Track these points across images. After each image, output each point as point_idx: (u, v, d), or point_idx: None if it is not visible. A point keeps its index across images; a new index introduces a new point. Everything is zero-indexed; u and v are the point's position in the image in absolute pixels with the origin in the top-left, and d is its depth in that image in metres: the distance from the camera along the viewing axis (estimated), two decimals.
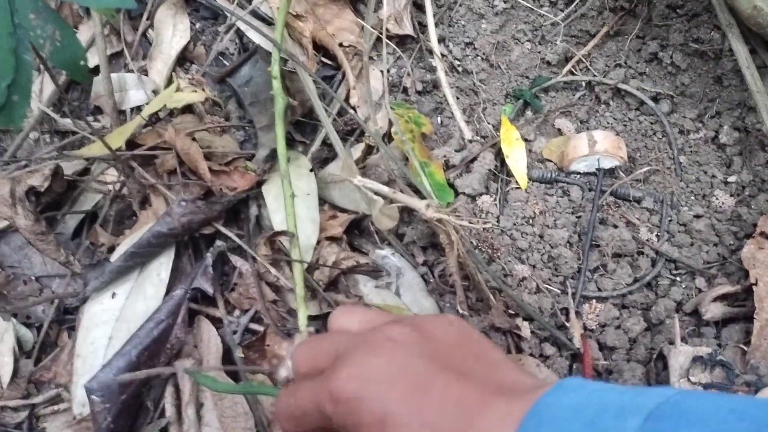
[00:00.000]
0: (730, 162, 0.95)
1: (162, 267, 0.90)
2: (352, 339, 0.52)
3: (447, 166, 0.95)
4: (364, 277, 0.88)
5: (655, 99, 1.01)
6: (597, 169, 0.93)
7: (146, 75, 1.05)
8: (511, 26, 1.05)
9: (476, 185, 0.92)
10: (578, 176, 0.96)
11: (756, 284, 0.83)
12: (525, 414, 0.40)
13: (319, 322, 0.86)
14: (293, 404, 0.54)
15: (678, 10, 1.00)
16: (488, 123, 1.00)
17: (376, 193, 0.81)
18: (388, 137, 0.95)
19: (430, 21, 0.99)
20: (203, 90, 0.97)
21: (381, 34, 0.96)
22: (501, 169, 0.97)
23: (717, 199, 0.92)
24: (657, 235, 0.91)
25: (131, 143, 0.96)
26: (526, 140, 0.99)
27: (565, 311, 0.86)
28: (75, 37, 0.71)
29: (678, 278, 0.89)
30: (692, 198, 0.94)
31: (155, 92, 1.03)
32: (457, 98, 1.01)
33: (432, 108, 1.01)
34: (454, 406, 0.44)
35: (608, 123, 1.00)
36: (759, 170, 0.92)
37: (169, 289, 0.90)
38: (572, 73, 1.04)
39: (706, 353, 0.80)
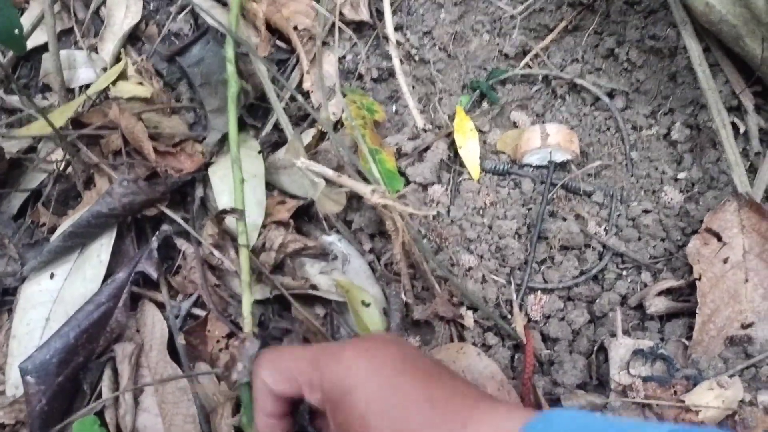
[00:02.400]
0: (680, 159, 0.95)
1: (102, 248, 0.88)
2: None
3: (399, 155, 0.94)
4: (311, 260, 0.86)
5: (610, 94, 1.01)
6: (548, 162, 0.93)
7: (96, 53, 1.02)
8: (470, 17, 1.05)
9: (427, 174, 0.91)
10: (531, 169, 0.96)
11: (699, 279, 0.83)
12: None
13: (264, 306, 0.85)
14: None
15: (635, 6, 1.01)
16: (443, 113, 0.99)
17: (322, 177, 0.79)
18: (341, 123, 0.94)
19: (387, 8, 0.98)
20: (150, 79, 0.95)
21: (337, 19, 0.95)
22: (454, 160, 0.96)
23: (666, 194, 0.92)
24: (605, 229, 0.91)
25: (77, 122, 0.94)
26: (480, 132, 0.99)
27: (510, 302, 0.85)
28: (10, 6, 0.69)
29: (624, 272, 0.89)
30: (642, 193, 0.94)
31: (105, 70, 1.01)
32: (413, 87, 1.00)
33: (387, 96, 1.00)
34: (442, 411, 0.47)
35: (563, 117, 1.00)
36: (709, 167, 0.93)
37: (111, 272, 0.88)
38: (529, 67, 1.04)
39: (647, 346, 0.80)
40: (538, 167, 0.96)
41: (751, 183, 0.89)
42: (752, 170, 0.91)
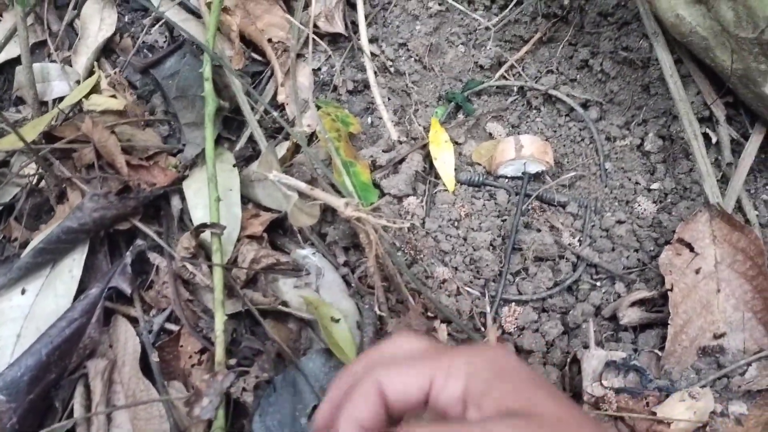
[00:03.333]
0: (654, 169, 0.96)
1: (74, 263, 0.87)
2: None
3: (374, 167, 0.94)
4: (284, 275, 0.86)
5: (585, 105, 1.01)
6: (523, 173, 0.93)
7: (70, 66, 1.01)
8: (446, 29, 1.05)
9: (402, 186, 0.92)
10: (506, 180, 0.96)
11: (671, 290, 0.83)
12: None
13: (237, 321, 0.84)
14: None
15: (609, 18, 1.01)
16: (419, 124, 0.99)
17: (294, 189, 0.79)
18: (316, 136, 0.94)
19: (362, 20, 0.98)
20: (124, 91, 0.94)
21: (311, 31, 0.95)
22: (429, 172, 0.96)
23: (639, 205, 0.93)
24: (579, 240, 0.91)
25: (50, 136, 0.93)
26: (456, 143, 0.99)
27: (484, 314, 0.85)
28: None
29: (598, 283, 0.89)
30: (615, 204, 0.94)
31: (79, 83, 1.01)
32: (389, 99, 1.00)
33: (363, 108, 1.00)
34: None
35: (538, 128, 1.01)
36: (681, 178, 0.94)
37: (83, 287, 0.87)
38: (505, 78, 1.04)
39: (620, 358, 0.80)
40: (513, 178, 0.96)
41: (723, 193, 0.90)
42: (725, 180, 0.92)
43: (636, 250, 0.90)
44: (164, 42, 1.03)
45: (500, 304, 0.86)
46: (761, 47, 0.80)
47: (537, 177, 0.96)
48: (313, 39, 0.95)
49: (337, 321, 0.79)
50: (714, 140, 0.93)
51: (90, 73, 1.00)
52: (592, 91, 1.02)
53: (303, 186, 0.77)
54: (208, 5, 0.95)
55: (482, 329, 0.84)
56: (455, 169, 0.95)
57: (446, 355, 0.43)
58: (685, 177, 0.94)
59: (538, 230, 0.91)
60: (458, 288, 0.86)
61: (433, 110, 1.02)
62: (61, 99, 1.00)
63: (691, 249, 0.85)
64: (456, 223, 0.92)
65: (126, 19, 1.05)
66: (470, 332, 0.82)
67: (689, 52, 0.94)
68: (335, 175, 0.87)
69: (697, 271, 0.84)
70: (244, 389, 0.76)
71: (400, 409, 0.43)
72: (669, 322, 0.82)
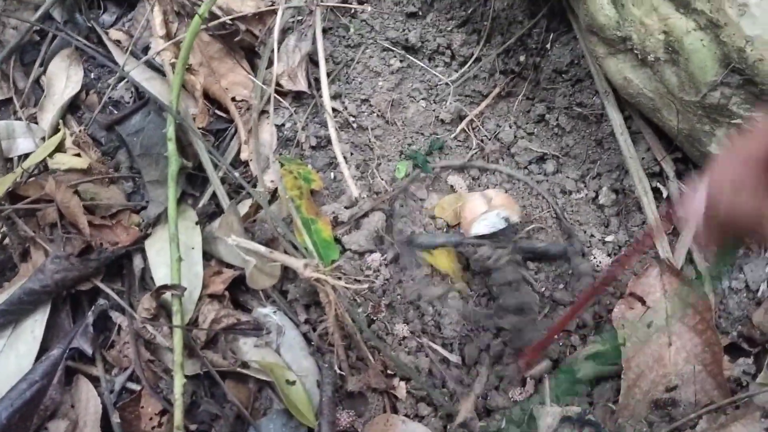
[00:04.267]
0: (608, 222, 0.99)
1: (36, 324, 0.88)
2: None
3: (336, 223, 0.95)
4: (245, 335, 0.87)
5: (542, 159, 1.04)
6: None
7: (36, 123, 1.03)
8: (407, 85, 1.08)
9: (363, 242, 0.93)
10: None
11: (624, 344, 0.86)
12: None
13: (197, 382, 0.85)
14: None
15: (563, 75, 1.05)
16: (381, 179, 1.02)
17: (253, 253, 0.81)
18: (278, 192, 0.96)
19: (324, 78, 1.01)
20: (88, 149, 0.96)
21: (273, 90, 0.97)
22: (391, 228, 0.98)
23: (595, 258, 0.95)
24: (540, 292, 0.93)
25: (14, 195, 0.94)
26: (420, 200, 1.00)
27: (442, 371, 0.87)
28: None
29: (556, 336, 0.91)
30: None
31: (45, 140, 1.02)
32: (351, 154, 1.02)
33: (325, 162, 1.02)
34: None
35: (497, 181, 1.03)
36: (634, 231, 0.97)
37: (45, 347, 0.88)
38: (465, 132, 1.07)
39: (575, 413, 0.82)
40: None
41: (674, 247, 0.93)
42: (676, 233, 0.95)
43: (593, 304, 0.93)
44: (130, 98, 1.05)
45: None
46: (704, 110, 0.83)
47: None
48: (276, 97, 0.97)
49: (293, 383, 0.80)
50: (665, 195, 0.96)
51: (55, 130, 1.01)
52: (548, 144, 1.05)
53: (262, 249, 0.79)
54: (173, 65, 0.97)
55: (443, 385, 0.85)
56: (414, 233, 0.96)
57: None
58: (638, 230, 0.97)
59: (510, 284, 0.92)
60: (417, 345, 0.87)
61: (395, 164, 1.04)
62: (26, 156, 1.01)
63: (643, 303, 0.88)
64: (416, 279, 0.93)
65: (92, 76, 1.07)
66: (429, 389, 0.83)
67: (639, 111, 0.97)
68: (296, 234, 0.89)
69: (649, 325, 0.87)
70: None
71: None
72: (622, 375, 0.84)
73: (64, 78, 1.04)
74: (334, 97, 1.04)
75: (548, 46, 1.05)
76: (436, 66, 1.09)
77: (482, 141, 1.06)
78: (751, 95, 0.79)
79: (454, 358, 0.89)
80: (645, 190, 0.93)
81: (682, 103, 0.85)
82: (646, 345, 0.86)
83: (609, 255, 0.96)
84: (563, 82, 1.05)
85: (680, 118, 0.88)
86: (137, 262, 0.91)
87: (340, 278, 0.81)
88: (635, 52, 0.86)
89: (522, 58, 1.07)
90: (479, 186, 1.03)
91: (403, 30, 1.09)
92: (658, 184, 0.96)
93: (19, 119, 1.03)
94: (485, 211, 0.92)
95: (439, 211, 1.00)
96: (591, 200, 1.01)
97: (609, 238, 0.97)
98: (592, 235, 0.98)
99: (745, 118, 0.81)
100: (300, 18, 1.04)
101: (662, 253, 0.90)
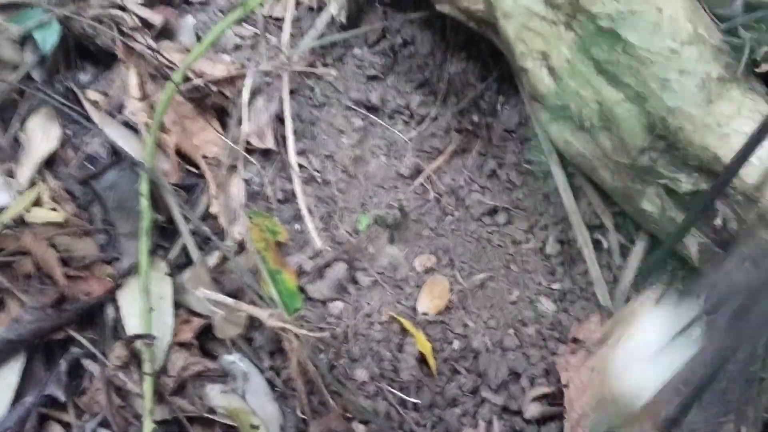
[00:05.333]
0: (554, 270, 1.06)
1: (11, 372, 0.91)
2: None
3: (300, 272, 1.01)
4: (212, 382, 0.92)
5: (494, 211, 1.12)
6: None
7: (13, 177, 1.07)
8: (369, 141, 1.16)
9: (326, 291, 0.99)
10: None
11: (567, 386, 0.92)
12: None
13: (166, 427, 0.89)
14: None
15: (513, 134, 1.14)
16: (344, 230, 1.08)
17: (221, 304, 0.86)
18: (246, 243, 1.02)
19: (290, 136, 1.08)
20: (64, 203, 1.01)
21: (242, 147, 1.04)
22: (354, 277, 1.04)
23: (542, 304, 1.03)
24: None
25: None
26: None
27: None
28: None
29: (506, 377, 0.97)
30: (520, 304, 1.04)
31: (21, 194, 1.06)
32: (316, 206, 1.09)
33: (291, 215, 1.08)
34: None
35: (452, 229, 1.10)
36: (578, 279, 1.04)
37: (20, 393, 0.91)
38: (423, 186, 1.14)
39: None
40: None
41: (614, 294, 1.01)
42: (617, 281, 1.03)
43: (541, 347, 0.99)
44: (105, 153, 1.10)
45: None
46: (635, 171, 0.92)
47: None
48: (245, 155, 1.04)
49: (257, 428, 0.85)
50: (605, 245, 1.04)
51: (32, 184, 1.06)
52: (500, 197, 1.13)
53: (229, 301, 0.85)
54: (147, 124, 1.03)
55: (401, 427, 0.90)
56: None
57: None
58: (581, 278, 1.04)
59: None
60: (376, 389, 0.93)
61: (358, 215, 1.11)
62: (2, 209, 1.05)
63: (586, 348, 0.95)
64: (377, 325, 0.99)
65: (69, 131, 1.12)
66: (387, 431, 0.89)
67: (580, 169, 1.06)
68: (262, 285, 0.94)
69: (592, 369, 0.94)
70: None
71: None
72: (565, 416, 0.90)
73: (41, 134, 1.09)
74: (300, 153, 1.11)
75: (498, 107, 1.14)
76: (396, 124, 1.17)
77: (439, 194, 1.13)
78: (676, 158, 0.87)
79: (411, 400, 0.94)
80: (586, 242, 1.01)
81: (616, 164, 0.94)
82: (588, 387, 0.93)
83: (555, 302, 1.03)
84: (513, 140, 1.13)
85: (615, 177, 0.97)
86: (110, 311, 0.96)
87: (302, 326, 0.87)
88: (573, 119, 0.94)
89: (475, 118, 1.16)
90: (437, 236, 1.10)
91: (365, 91, 1.17)
92: (599, 235, 1.04)
93: None
94: None
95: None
96: (539, 250, 1.09)
97: (555, 286, 1.05)
98: (539, 283, 1.05)
99: (671, 179, 0.89)
100: (268, 80, 1.11)
101: (603, 300, 0.98)
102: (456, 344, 1.00)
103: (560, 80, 0.93)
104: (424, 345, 0.96)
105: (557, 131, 0.99)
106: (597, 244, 1.04)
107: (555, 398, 0.95)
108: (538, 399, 0.94)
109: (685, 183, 0.87)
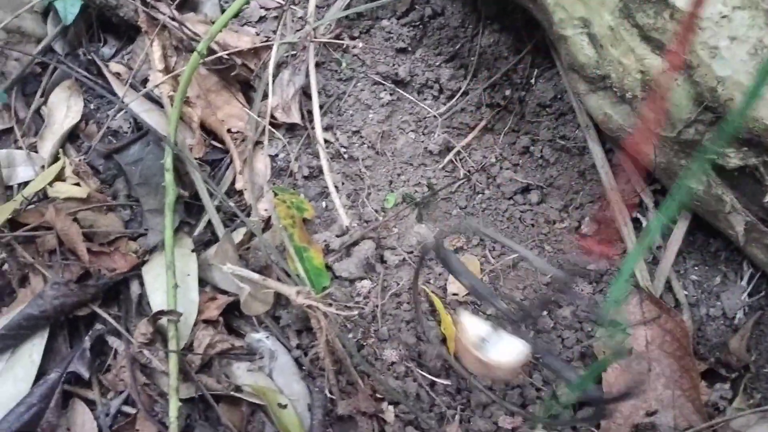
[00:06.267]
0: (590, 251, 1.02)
1: (34, 349, 0.90)
2: None
3: (327, 250, 0.98)
4: (238, 360, 0.89)
5: (527, 189, 1.08)
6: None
7: (36, 152, 1.05)
8: (397, 117, 1.12)
9: (353, 269, 0.96)
10: None
11: (605, 370, 0.89)
12: None
13: (191, 405, 0.87)
14: None
15: (547, 109, 1.09)
16: (372, 208, 1.05)
17: (248, 280, 0.83)
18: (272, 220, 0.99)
19: (316, 110, 1.04)
20: (87, 178, 0.99)
21: (267, 122, 1.01)
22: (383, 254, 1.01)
23: (577, 286, 0.99)
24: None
25: (14, 222, 0.96)
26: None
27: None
28: None
29: (539, 361, 0.94)
30: (555, 285, 1.00)
31: (44, 168, 1.04)
32: (343, 183, 1.06)
33: (317, 192, 1.05)
34: None
35: (482, 208, 1.07)
36: (615, 260, 1.00)
37: (43, 370, 0.90)
38: (452, 163, 1.11)
39: None
40: None
41: (653, 275, 0.96)
42: (656, 262, 0.99)
43: (576, 330, 0.96)
44: (128, 128, 1.08)
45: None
46: (680, 145, 0.88)
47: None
48: (270, 129, 1.01)
49: (284, 407, 0.82)
50: (644, 225, 1.00)
51: (55, 159, 1.04)
52: (533, 175, 1.09)
53: (256, 277, 0.82)
54: (171, 97, 1.01)
55: (431, 408, 0.88)
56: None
57: None
58: (617, 259, 1.00)
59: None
60: (405, 370, 0.90)
61: (385, 194, 1.07)
62: (26, 184, 1.03)
63: (624, 330, 0.91)
64: (409, 306, 0.96)
65: (92, 106, 1.10)
66: (417, 413, 0.86)
67: (619, 144, 1.01)
68: (288, 262, 0.92)
69: (630, 351, 0.90)
70: None
71: None
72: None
73: (64, 108, 1.07)
74: (326, 128, 1.08)
75: (533, 81, 1.10)
76: (425, 99, 1.13)
77: (469, 172, 1.10)
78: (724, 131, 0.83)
79: (442, 381, 0.91)
80: (625, 221, 0.97)
81: (659, 138, 0.89)
82: (627, 371, 0.89)
83: (591, 283, 0.99)
84: (547, 115, 1.09)
85: (657, 152, 0.92)
86: (134, 288, 0.94)
87: (331, 305, 0.84)
88: (614, 89, 0.90)
89: (508, 93, 1.12)
90: (465, 216, 1.07)
91: (393, 65, 1.13)
92: (637, 214, 1.00)
93: (20, 148, 1.06)
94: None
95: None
96: (574, 230, 1.05)
97: (590, 267, 1.01)
98: (574, 264, 1.01)
99: (719, 154, 0.85)
100: (294, 53, 1.08)
101: (642, 281, 0.94)
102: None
103: (601, 48, 0.88)
104: (448, 327, 0.93)
105: (596, 104, 0.95)
106: (635, 223, 1.00)
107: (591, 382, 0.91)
108: None
109: (734, 158, 0.82)
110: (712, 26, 0.79)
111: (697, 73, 0.80)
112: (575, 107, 1.03)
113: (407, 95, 1.12)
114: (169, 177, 0.92)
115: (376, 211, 1.05)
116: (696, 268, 1.00)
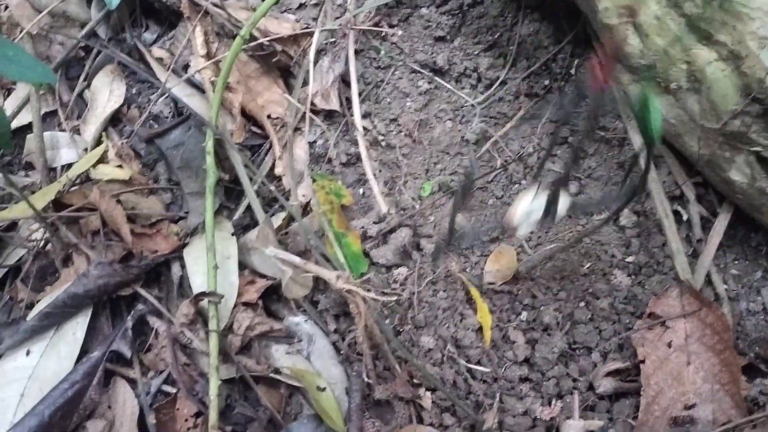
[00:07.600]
0: (629, 243, 1.02)
1: (78, 327, 0.92)
2: None
3: (365, 237, 0.99)
4: (277, 342, 0.90)
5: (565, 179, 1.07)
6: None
7: (79, 135, 1.07)
8: (434, 105, 1.12)
9: (390, 256, 0.97)
10: None
11: (644, 362, 0.88)
12: None
13: (231, 386, 0.88)
14: None
15: (586, 99, 1.08)
16: (408, 196, 1.05)
17: (289, 263, 0.84)
18: (311, 205, 1.00)
19: (355, 98, 1.05)
20: (129, 161, 1.00)
21: (307, 109, 1.01)
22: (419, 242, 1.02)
23: (615, 278, 0.98)
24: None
25: (58, 203, 0.98)
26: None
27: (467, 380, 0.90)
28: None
29: (576, 352, 0.94)
30: (592, 276, 1.00)
31: (87, 151, 1.06)
32: (380, 171, 1.06)
33: (355, 179, 1.06)
34: None
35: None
36: (655, 252, 0.99)
37: (86, 349, 0.92)
38: (489, 152, 1.10)
39: (597, 427, 0.84)
40: None
41: (693, 268, 0.96)
42: (696, 255, 0.98)
43: (614, 322, 0.95)
44: (169, 113, 1.09)
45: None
46: (725, 137, 0.87)
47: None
48: (310, 116, 1.02)
49: (323, 390, 0.83)
50: (685, 217, 0.99)
51: (98, 142, 1.06)
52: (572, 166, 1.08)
53: (297, 260, 0.83)
54: (212, 83, 1.02)
55: (467, 397, 0.88)
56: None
57: None
58: (658, 251, 0.99)
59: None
60: (442, 357, 0.90)
61: (421, 182, 1.08)
62: (69, 166, 1.05)
63: (663, 323, 0.91)
64: (445, 293, 0.97)
65: (134, 91, 1.12)
66: (455, 399, 0.86)
67: (661, 136, 1.00)
68: (327, 247, 0.92)
69: (669, 344, 0.89)
70: None
71: None
72: (641, 392, 0.86)
73: (107, 92, 1.08)
74: (365, 116, 1.08)
75: (572, 71, 1.09)
76: (463, 88, 1.13)
77: (506, 161, 1.09)
78: None
79: (480, 368, 0.91)
80: (666, 213, 0.96)
81: (703, 130, 0.88)
82: (665, 363, 0.89)
83: (630, 275, 0.99)
84: (586, 105, 1.08)
85: (701, 144, 0.91)
86: (175, 269, 0.95)
87: (369, 290, 0.84)
88: (659, 80, 0.89)
89: (547, 82, 1.11)
90: (502, 205, 1.07)
91: (432, 53, 1.13)
92: (678, 207, 0.99)
93: (63, 131, 1.07)
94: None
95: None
96: (612, 221, 1.04)
97: (629, 259, 1.00)
98: (613, 256, 1.01)
99: (765, 146, 0.84)
100: (333, 40, 1.08)
101: (682, 274, 0.93)
102: (524, 315, 0.96)
103: (646, 38, 0.88)
104: (484, 316, 0.93)
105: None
106: (676, 216, 0.99)
107: (629, 374, 0.91)
108: (611, 374, 0.90)
109: None
110: (761, 15, 0.78)
111: (745, 63, 0.79)
112: (616, 97, 1.02)
113: (445, 84, 1.12)
114: (210, 159, 0.93)
115: (413, 199, 1.05)
116: (736, 262, 0.98)
